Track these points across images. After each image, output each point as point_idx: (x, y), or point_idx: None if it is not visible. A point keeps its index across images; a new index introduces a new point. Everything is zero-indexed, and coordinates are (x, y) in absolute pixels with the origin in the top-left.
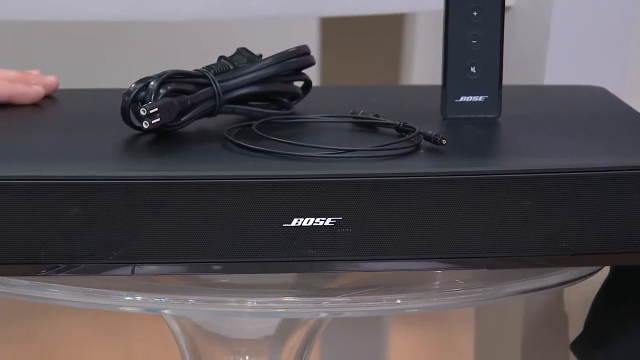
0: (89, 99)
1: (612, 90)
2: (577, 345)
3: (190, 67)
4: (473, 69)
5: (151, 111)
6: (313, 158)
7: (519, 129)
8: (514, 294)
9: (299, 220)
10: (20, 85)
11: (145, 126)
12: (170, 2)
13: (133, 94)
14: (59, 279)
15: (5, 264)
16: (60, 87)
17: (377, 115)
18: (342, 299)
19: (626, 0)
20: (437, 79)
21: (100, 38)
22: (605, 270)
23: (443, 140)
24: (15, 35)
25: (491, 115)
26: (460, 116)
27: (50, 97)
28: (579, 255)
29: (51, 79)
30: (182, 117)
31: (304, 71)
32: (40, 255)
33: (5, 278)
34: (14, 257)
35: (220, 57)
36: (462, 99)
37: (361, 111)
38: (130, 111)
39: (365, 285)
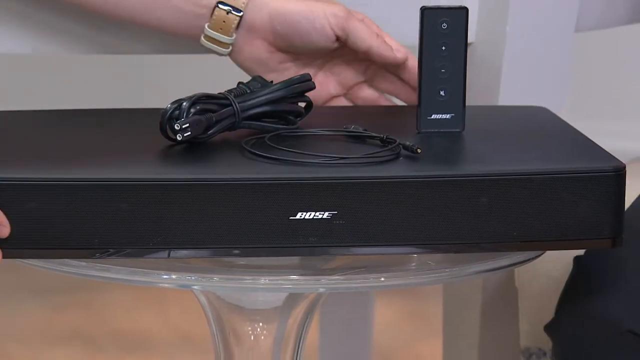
0: (134, 116)
1: (553, 109)
2: (549, 329)
3: (214, 90)
4: (442, 93)
5: (183, 126)
6: (314, 164)
7: (479, 140)
8: (475, 273)
9: (302, 214)
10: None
11: (178, 138)
12: None
13: (169, 112)
14: (110, 261)
15: (67, 248)
16: (109, 106)
17: (365, 130)
18: (337, 277)
19: (565, 38)
20: (406, 99)
21: (143, 67)
22: (551, 255)
23: (418, 150)
24: (67, 69)
25: (457, 130)
26: (432, 130)
27: (98, 116)
28: (527, 242)
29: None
30: (208, 131)
31: (306, 94)
32: (95, 242)
33: (67, 260)
34: (74, 243)
35: (239, 83)
36: (433, 116)
37: (352, 126)
38: (167, 126)
39: (356, 266)
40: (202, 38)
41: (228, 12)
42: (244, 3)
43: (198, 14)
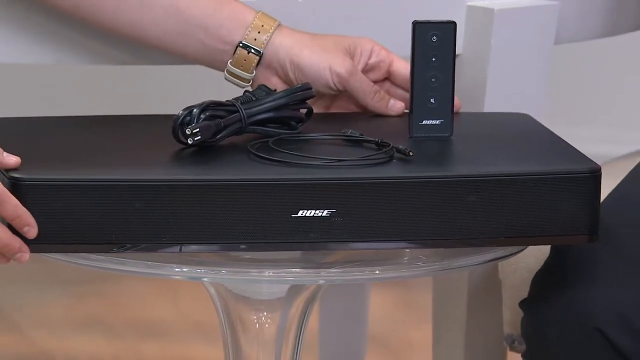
0: (148, 122)
1: (534, 115)
2: (523, 304)
3: (223, 98)
4: (432, 100)
5: (194, 131)
6: (314, 166)
7: (466, 144)
8: (462, 266)
9: (303, 212)
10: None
11: (189, 142)
12: None
13: (181, 118)
14: (126, 255)
15: (87, 243)
16: (125, 113)
17: (361, 134)
18: (335, 270)
19: (545, 50)
20: (406, 107)
21: (156, 77)
22: (532, 250)
23: (410, 153)
24: (86, 79)
25: (445, 134)
26: (423, 135)
27: (116, 122)
28: (509, 238)
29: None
30: (217, 136)
31: (307, 101)
32: (112, 238)
33: (87, 254)
34: (94, 239)
35: (245, 91)
36: (424, 122)
37: (350, 131)
38: (179, 131)
39: (353, 260)
40: (225, 72)
41: (249, 52)
42: (263, 44)
43: (222, 50)
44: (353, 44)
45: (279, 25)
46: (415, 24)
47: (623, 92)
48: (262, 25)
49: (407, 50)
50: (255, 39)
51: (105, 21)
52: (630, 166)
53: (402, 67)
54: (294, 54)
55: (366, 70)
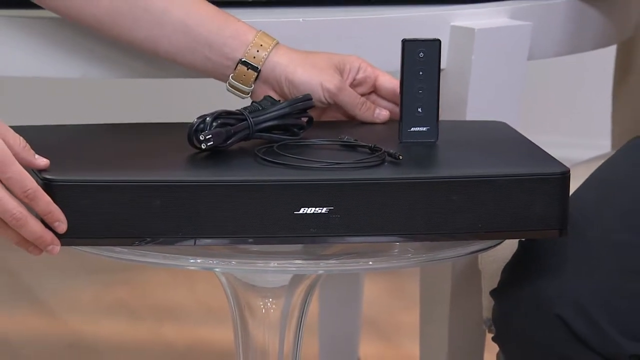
0: (166, 129)
1: (510, 123)
2: (494, 293)
3: (233, 108)
4: (420, 109)
5: (207, 137)
6: (314, 168)
7: (450, 149)
8: (447, 258)
9: (304, 209)
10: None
11: (203, 147)
12: None
13: (195, 125)
14: (147, 248)
15: (112, 237)
16: (148, 120)
17: (356, 140)
18: (333, 261)
19: (520, 65)
20: (396, 116)
21: (173, 87)
22: (508, 243)
23: (400, 156)
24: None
25: (432, 140)
26: (411, 140)
27: (136, 128)
28: (488, 233)
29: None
30: (227, 141)
31: (307, 111)
32: (134, 232)
33: (111, 247)
34: (117, 233)
35: (253, 101)
36: (412, 129)
37: (345, 137)
38: (193, 137)
39: (349, 252)
40: (227, 85)
41: (248, 68)
42: (261, 62)
43: (224, 65)
44: (342, 61)
45: (277, 44)
46: (405, 41)
47: (586, 103)
48: (261, 45)
49: (396, 66)
50: (254, 57)
51: (123, 36)
52: (592, 169)
53: (387, 81)
54: (289, 72)
55: (354, 84)
